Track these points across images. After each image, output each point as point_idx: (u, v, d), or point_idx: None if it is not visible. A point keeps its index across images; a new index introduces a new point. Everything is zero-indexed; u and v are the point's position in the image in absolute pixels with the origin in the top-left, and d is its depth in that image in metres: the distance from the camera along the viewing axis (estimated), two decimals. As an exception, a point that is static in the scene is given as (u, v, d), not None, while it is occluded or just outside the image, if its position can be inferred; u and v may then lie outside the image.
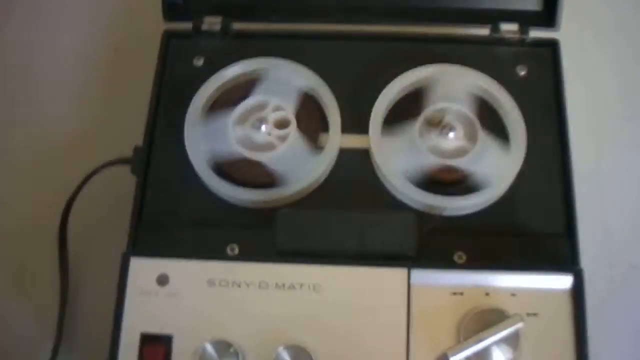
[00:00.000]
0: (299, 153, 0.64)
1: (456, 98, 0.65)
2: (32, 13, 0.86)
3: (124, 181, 0.67)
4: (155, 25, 0.71)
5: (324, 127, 0.66)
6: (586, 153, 0.70)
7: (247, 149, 0.64)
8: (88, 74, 0.82)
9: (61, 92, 0.81)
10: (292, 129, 0.64)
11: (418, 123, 0.64)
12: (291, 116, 0.65)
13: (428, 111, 0.65)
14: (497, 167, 0.63)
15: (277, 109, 0.65)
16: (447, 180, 0.63)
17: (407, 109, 0.66)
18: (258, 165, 0.63)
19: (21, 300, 0.73)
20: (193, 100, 0.66)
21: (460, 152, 0.63)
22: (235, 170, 0.64)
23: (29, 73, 0.83)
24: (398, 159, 0.64)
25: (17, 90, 0.82)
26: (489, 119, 0.65)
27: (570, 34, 0.70)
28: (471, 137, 0.64)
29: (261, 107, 0.65)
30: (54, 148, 0.78)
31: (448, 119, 0.64)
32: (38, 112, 0.80)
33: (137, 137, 0.67)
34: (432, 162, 0.63)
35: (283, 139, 0.64)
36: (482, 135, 0.64)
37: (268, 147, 0.64)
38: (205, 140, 0.65)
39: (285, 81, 0.67)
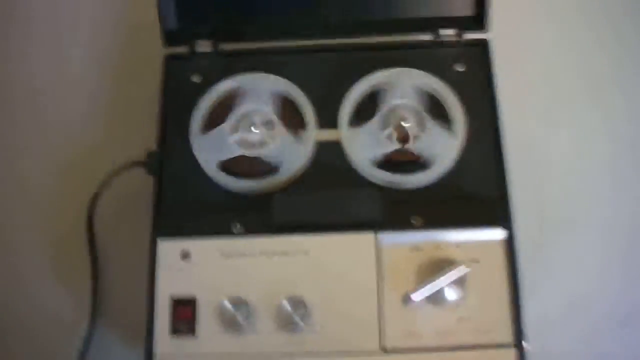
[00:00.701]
0: (287, 144, 0.71)
1: (407, 95, 0.72)
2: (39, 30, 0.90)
3: (134, 180, 0.74)
4: (152, 48, 0.76)
5: (303, 124, 0.72)
6: (518, 131, 0.76)
7: (246, 148, 0.71)
8: (92, 92, 0.87)
9: (70, 108, 0.87)
10: (278, 126, 0.71)
11: (377, 117, 0.71)
12: (273, 116, 0.72)
13: (384, 107, 0.72)
14: (443, 148, 0.70)
15: (260, 112, 0.72)
16: (403, 161, 0.70)
17: (369, 107, 0.72)
18: (254, 159, 0.71)
19: (57, 286, 0.79)
20: (194, 113, 0.72)
21: (412, 138, 0.71)
22: (235, 166, 0.71)
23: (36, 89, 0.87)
24: (364, 148, 0.71)
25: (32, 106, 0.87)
26: (437, 110, 0.72)
27: (502, 31, 0.76)
28: (421, 126, 0.71)
29: (247, 114, 0.72)
30: (72, 154, 0.84)
31: (401, 112, 0.71)
32: (57, 124, 0.86)
33: (141, 144, 0.74)
34: (390, 147, 0.71)
35: (273, 134, 0.71)
36: (429, 123, 0.71)
37: (262, 144, 0.71)
38: (209, 149, 0.71)
39: (261, 90, 0.73)
